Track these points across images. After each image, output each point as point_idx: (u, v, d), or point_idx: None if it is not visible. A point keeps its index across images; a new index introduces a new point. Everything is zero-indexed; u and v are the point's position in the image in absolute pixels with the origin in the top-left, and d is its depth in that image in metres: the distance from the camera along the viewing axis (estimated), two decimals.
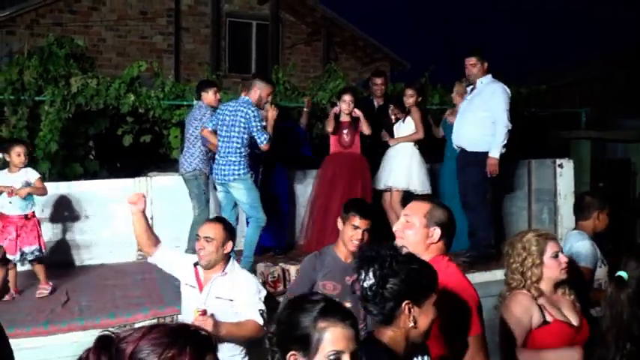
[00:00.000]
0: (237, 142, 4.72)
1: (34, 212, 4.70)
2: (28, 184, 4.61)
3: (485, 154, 5.16)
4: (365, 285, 1.84)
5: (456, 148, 5.44)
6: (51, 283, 4.66)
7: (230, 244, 3.24)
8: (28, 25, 10.16)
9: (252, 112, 4.70)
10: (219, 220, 3.42)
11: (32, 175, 4.66)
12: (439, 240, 2.28)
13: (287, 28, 12.25)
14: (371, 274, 1.83)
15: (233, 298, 3.17)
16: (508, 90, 5.23)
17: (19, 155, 4.56)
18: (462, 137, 5.33)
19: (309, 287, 3.14)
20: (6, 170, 4.65)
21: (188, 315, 3.14)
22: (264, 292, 3.30)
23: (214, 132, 4.88)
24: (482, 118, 5.18)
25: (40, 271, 4.61)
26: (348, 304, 2.96)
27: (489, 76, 5.28)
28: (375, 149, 5.87)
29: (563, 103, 9.82)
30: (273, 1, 11.40)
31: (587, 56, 16.90)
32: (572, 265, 2.85)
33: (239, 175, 4.71)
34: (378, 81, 6.24)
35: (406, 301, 1.81)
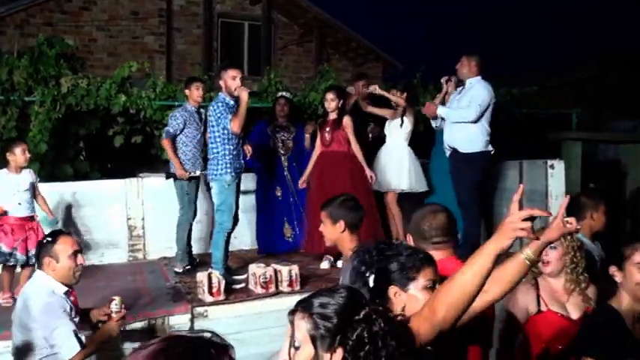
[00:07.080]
0: (210, 141, 4.79)
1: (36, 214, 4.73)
2: (32, 185, 4.64)
3: (478, 154, 5.21)
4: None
5: (447, 148, 5.44)
6: None
7: None
8: (18, 25, 10.09)
9: (215, 107, 4.66)
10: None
11: (34, 176, 4.71)
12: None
13: (279, 28, 12.24)
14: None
15: None
16: (491, 89, 5.27)
17: (24, 152, 4.55)
18: (453, 138, 5.34)
19: None
20: (5, 170, 4.58)
21: None
22: None
23: None
24: None
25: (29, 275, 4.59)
26: None
27: (479, 77, 5.31)
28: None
29: (556, 104, 9.84)
30: (265, 1, 11.39)
31: (581, 57, 16.97)
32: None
33: (214, 175, 4.73)
34: (360, 83, 6.19)
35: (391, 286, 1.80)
